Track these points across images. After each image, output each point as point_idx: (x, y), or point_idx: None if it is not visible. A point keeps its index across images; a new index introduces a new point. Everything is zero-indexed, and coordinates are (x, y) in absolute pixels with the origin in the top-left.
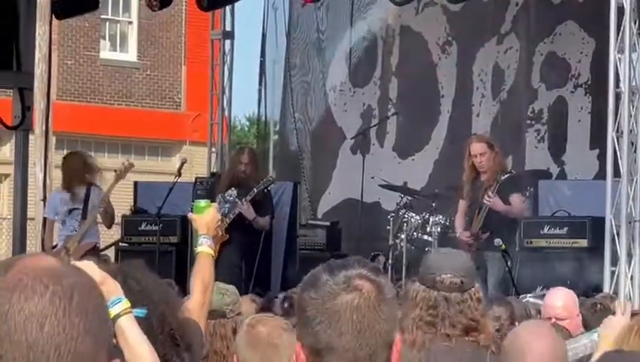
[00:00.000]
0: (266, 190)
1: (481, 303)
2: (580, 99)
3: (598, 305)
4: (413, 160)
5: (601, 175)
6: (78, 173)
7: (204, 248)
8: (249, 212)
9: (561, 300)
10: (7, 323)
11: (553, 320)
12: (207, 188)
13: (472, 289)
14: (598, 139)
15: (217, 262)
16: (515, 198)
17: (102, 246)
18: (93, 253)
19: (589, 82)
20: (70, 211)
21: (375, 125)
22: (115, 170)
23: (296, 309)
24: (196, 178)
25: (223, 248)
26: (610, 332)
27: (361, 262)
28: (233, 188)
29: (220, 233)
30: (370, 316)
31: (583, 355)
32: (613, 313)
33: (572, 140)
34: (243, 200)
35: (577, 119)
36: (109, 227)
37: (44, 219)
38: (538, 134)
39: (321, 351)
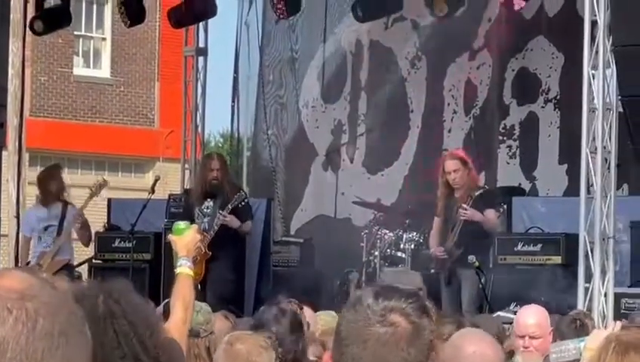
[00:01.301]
0: (240, 205)
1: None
2: (550, 114)
3: (578, 321)
4: (382, 175)
5: (570, 190)
6: (57, 189)
7: (184, 269)
8: (233, 221)
9: (533, 318)
10: None
11: (527, 338)
12: (182, 204)
13: None
14: (566, 154)
15: (208, 280)
16: (489, 213)
17: (75, 262)
18: (67, 269)
19: (558, 97)
20: (46, 228)
21: (345, 143)
22: (90, 188)
23: (337, 322)
24: (170, 195)
25: (209, 265)
26: (596, 345)
27: (411, 296)
28: (209, 200)
29: (203, 250)
30: (397, 355)
31: (568, 361)
32: (590, 329)
33: (542, 156)
34: (223, 212)
35: (547, 134)
36: (87, 245)
37: (19, 235)
38: (510, 150)
39: None
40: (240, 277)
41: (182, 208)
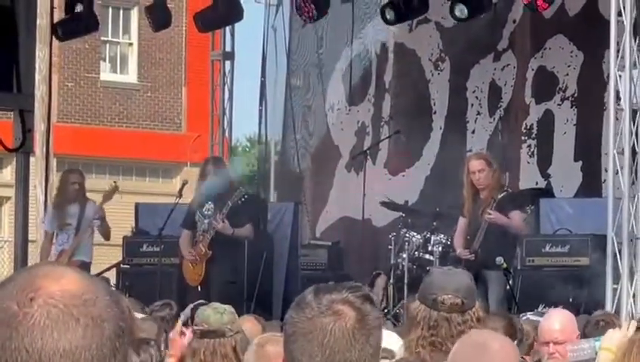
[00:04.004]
0: (240, 201)
1: (482, 322)
2: (566, 111)
3: (601, 322)
4: (403, 176)
5: (583, 187)
6: (74, 190)
7: None
8: (225, 228)
9: (558, 323)
10: (42, 360)
11: (551, 345)
12: (187, 208)
13: (473, 309)
14: (581, 151)
15: (209, 281)
16: (514, 215)
17: (104, 267)
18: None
19: (576, 95)
20: (62, 226)
21: (370, 147)
22: (104, 193)
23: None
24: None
25: (209, 266)
26: (611, 345)
27: (352, 288)
28: (210, 202)
29: (204, 250)
30: (343, 342)
31: (583, 360)
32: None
33: (557, 153)
34: (218, 216)
35: (563, 132)
36: (108, 238)
37: (45, 232)
38: (529, 150)
39: None
40: (239, 279)
41: (186, 215)
